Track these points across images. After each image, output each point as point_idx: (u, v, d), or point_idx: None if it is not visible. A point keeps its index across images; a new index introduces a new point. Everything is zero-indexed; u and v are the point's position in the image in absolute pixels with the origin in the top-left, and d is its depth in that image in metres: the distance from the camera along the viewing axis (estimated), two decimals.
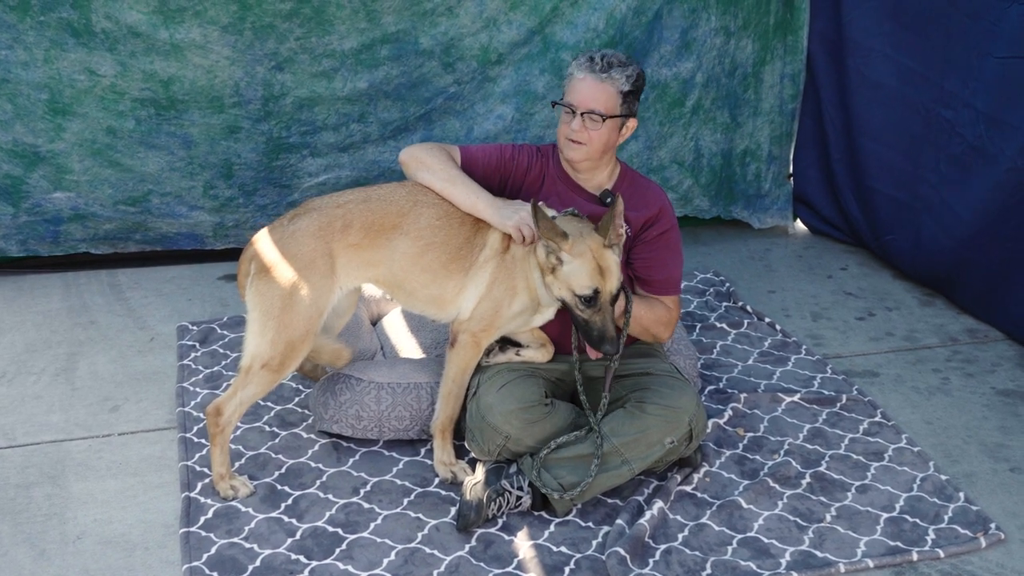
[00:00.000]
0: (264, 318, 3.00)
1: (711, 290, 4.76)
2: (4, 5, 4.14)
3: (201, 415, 3.51)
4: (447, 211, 3.13)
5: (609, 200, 3.22)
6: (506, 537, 2.99)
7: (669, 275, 3.29)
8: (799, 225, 5.63)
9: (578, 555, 2.93)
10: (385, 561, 2.87)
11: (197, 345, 4.06)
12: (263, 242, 3.08)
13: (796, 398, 3.79)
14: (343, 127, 4.69)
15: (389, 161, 4.79)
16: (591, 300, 2.92)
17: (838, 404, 3.77)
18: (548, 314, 3.18)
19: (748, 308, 4.58)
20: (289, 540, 2.94)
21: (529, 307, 3.13)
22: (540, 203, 2.95)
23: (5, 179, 4.43)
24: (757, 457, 3.43)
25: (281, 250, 3.02)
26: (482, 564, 2.87)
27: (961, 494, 3.25)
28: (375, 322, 4.07)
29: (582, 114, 3.11)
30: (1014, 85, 4.09)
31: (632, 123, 3.22)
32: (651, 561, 2.91)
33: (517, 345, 3.28)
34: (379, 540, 2.96)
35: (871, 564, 2.93)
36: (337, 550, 2.91)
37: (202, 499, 3.10)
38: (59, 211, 4.55)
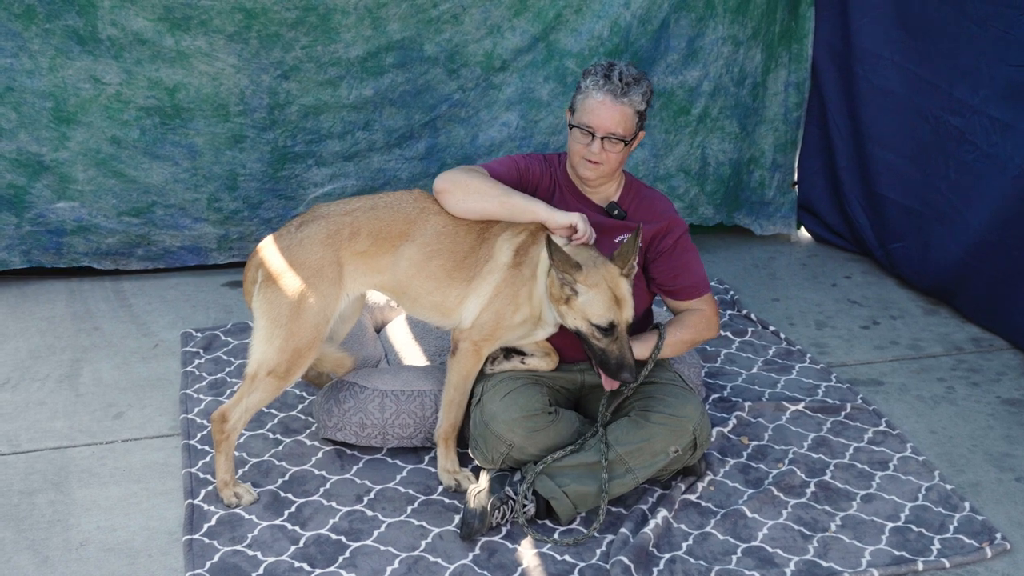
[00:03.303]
0: (272, 325, 3.00)
1: (715, 298, 4.75)
2: (9, 13, 4.14)
3: (205, 422, 3.51)
4: (453, 219, 3.14)
5: (616, 213, 3.22)
6: (510, 545, 2.98)
7: (695, 279, 3.28)
8: (803, 233, 5.62)
9: (582, 564, 2.92)
10: (388, 569, 2.87)
11: (201, 352, 4.06)
12: (270, 249, 3.08)
13: (800, 407, 3.78)
14: (348, 135, 4.69)
15: (394, 169, 4.79)
16: (608, 330, 2.92)
17: (843, 413, 3.76)
18: (550, 330, 3.18)
19: (752, 316, 4.57)
20: (292, 548, 2.94)
21: (531, 320, 3.13)
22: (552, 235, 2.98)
23: (8, 189, 4.43)
24: (761, 466, 3.43)
25: (289, 257, 3.03)
26: (486, 572, 2.87)
27: (966, 503, 3.24)
28: (379, 329, 4.06)
29: (602, 138, 3.09)
30: None
31: (641, 134, 3.21)
32: (655, 570, 2.90)
33: (522, 353, 3.28)
34: (383, 548, 2.95)
35: (876, 574, 2.92)
36: (340, 558, 2.91)
37: (205, 506, 3.09)
38: (62, 222, 4.55)
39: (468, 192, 3.12)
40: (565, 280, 2.92)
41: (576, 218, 3.05)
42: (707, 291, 3.31)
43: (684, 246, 3.27)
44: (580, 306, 2.93)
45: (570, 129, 3.17)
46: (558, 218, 3.06)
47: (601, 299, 2.90)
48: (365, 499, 3.18)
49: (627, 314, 2.94)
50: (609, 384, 3.03)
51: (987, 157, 4.31)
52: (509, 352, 3.26)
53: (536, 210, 3.10)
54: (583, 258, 2.96)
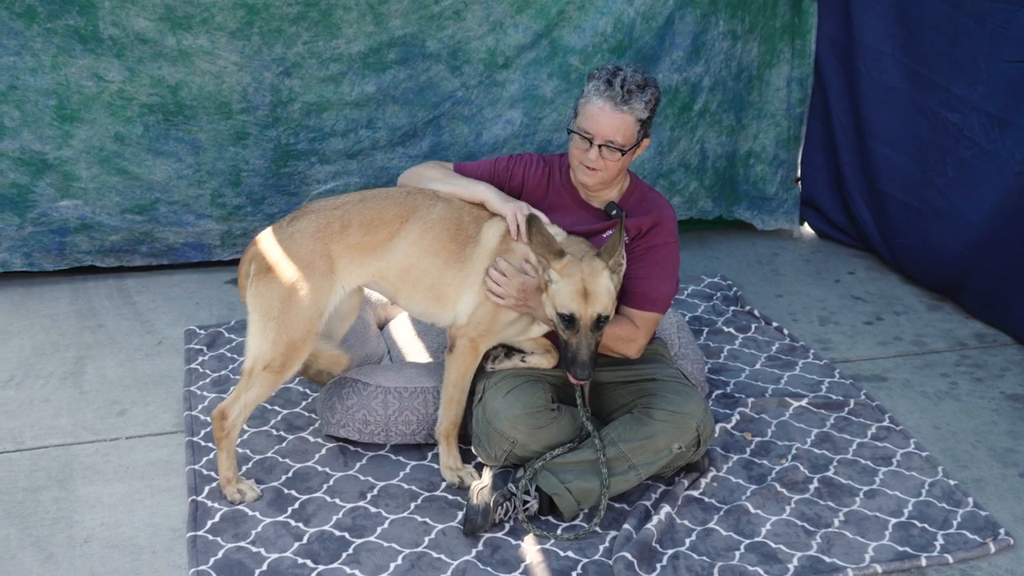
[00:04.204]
0: (264, 319, 3.01)
1: (718, 294, 4.75)
2: (11, 12, 4.15)
3: (208, 419, 3.51)
4: (445, 198, 3.17)
5: (615, 213, 3.21)
6: (513, 541, 2.98)
7: (647, 289, 3.15)
8: (806, 229, 5.62)
9: (585, 560, 2.92)
10: (392, 565, 2.87)
11: (204, 349, 4.06)
12: (263, 244, 3.10)
13: (804, 403, 3.78)
14: (351, 132, 4.69)
15: (398, 168, 4.78)
16: (569, 321, 2.91)
17: (846, 409, 3.76)
18: (547, 326, 3.18)
19: (755, 312, 4.57)
20: (296, 544, 2.94)
21: (526, 315, 3.13)
22: (539, 216, 2.96)
23: (11, 188, 4.43)
24: (765, 462, 3.42)
25: (279, 252, 3.04)
26: (489, 568, 2.87)
27: (970, 499, 3.24)
28: (382, 326, 4.07)
29: (599, 145, 3.06)
30: None
31: (645, 142, 3.17)
32: (658, 566, 2.90)
33: (522, 352, 3.28)
34: (386, 544, 2.96)
35: (879, 570, 2.92)
36: (344, 554, 2.91)
37: (209, 503, 3.10)
38: (65, 221, 4.55)
39: (421, 180, 3.26)
40: (541, 264, 2.92)
41: (512, 211, 3.06)
42: (654, 309, 3.16)
43: (656, 259, 3.17)
44: (551, 294, 2.93)
45: (569, 133, 3.15)
46: (499, 205, 3.10)
47: (568, 289, 2.89)
48: (368, 496, 3.18)
49: (592, 310, 2.88)
50: (572, 379, 2.99)
51: (986, 154, 4.30)
52: (510, 351, 3.27)
53: (479, 190, 3.16)
54: (573, 250, 2.97)
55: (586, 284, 2.88)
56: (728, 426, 3.59)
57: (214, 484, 3.17)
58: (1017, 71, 4.10)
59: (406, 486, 3.24)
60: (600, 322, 2.92)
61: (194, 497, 3.12)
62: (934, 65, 4.54)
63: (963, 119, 4.40)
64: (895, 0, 4.70)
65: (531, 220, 2.91)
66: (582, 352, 2.89)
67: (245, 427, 3.42)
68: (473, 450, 3.24)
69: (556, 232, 3.08)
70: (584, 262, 2.92)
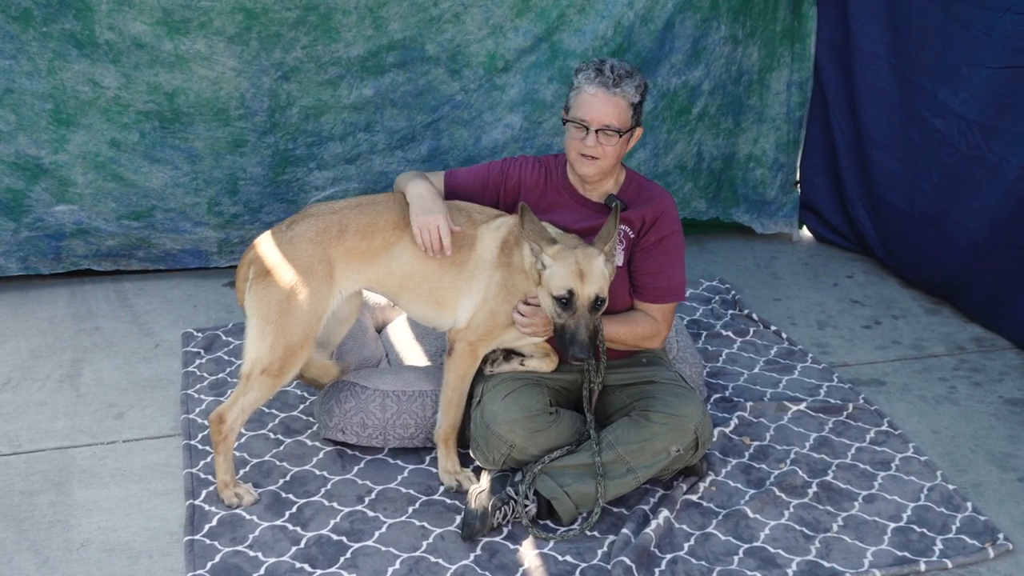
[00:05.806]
0: (263, 323, 3.01)
1: (717, 298, 4.75)
2: (7, 15, 4.13)
3: (206, 422, 3.50)
4: None
5: (615, 205, 3.21)
6: (511, 546, 2.98)
7: (666, 282, 3.21)
8: (805, 232, 5.62)
9: (583, 564, 2.91)
10: (390, 570, 2.87)
11: (202, 352, 4.06)
12: (262, 247, 3.10)
13: (802, 407, 3.77)
14: (350, 136, 4.67)
15: (396, 172, 4.77)
16: (566, 303, 2.90)
17: (844, 413, 3.76)
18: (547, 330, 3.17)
19: (754, 316, 4.57)
20: (293, 548, 2.94)
21: None
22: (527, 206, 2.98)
23: (7, 193, 4.41)
24: (763, 466, 3.42)
25: (278, 256, 3.04)
26: (487, 573, 2.86)
27: (969, 504, 3.24)
28: (380, 329, 4.06)
29: (596, 131, 3.08)
30: (1013, 94, 4.06)
31: (638, 131, 3.20)
32: (657, 571, 2.89)
33: (521, 355, 3.27)
34: (384, 548, 2.95)
35: (878, 574, 2.91)
36: (342, 559, 2.91)
37: (206, 507, 3.09)
38: (61, 226, 4.53)
39: (397, 185, 3.30)
40: (534, 251, 2.93)
41: (417, 228, 3.04)
42: (671, 299, 3.22)
43: (667, 249, 3.21)
44: (546, 280, 2.93)
45: (565, 126, 3.16)
46: (412, 216, 3.08)
47: (564, 270, 2.89)
48: (366, 500, 3.18)
49: (590, 289, 2.89)
50: (572, 360, 2.98)
51: (969, 160, 4.29)
52: (508, 354, 3.26)
53: (409, 192, 3.14)
54: (566, 242, 2.99)
55: (581, 265, 2.90)
56: (726, 430, 3.59)
57: (211, 488, 3.17)
58: (1000, 77, 4.09)
59: (404, 490, 3.23)
60: (597, 304, 2.92)
61: (191, 501, 3.11)
62: (923, 70, 4.54)
63: (946, 125, 4.40)
64: (889, 4, 4.70)
65: (523, 210, 2.93)
66: (581, 332, 2.88)
67: (242, 430, 3.41)
68: (471, 454, 3.24)
69: (553, 231, 3.09)
70: (577, 250, 2.95)
